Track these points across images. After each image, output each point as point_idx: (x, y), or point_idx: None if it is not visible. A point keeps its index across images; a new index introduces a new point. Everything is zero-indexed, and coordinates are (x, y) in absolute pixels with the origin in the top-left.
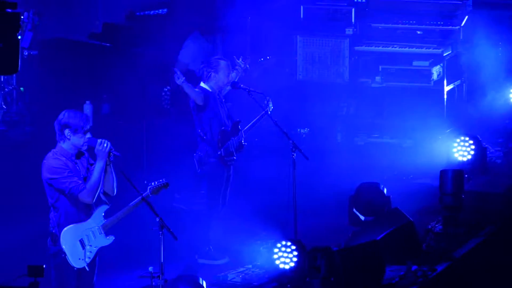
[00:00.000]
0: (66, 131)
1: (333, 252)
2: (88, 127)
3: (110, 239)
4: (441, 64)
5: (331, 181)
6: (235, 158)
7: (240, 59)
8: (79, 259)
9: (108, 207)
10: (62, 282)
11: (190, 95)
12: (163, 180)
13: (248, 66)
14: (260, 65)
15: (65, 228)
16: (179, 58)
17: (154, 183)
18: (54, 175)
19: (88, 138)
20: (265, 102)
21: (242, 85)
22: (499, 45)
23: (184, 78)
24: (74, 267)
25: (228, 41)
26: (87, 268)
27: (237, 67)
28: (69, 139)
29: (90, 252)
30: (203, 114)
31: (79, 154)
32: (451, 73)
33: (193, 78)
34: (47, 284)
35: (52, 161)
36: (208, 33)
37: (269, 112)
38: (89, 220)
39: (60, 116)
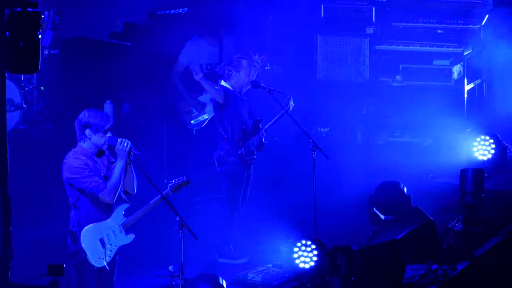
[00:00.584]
0: (87, 131)
1: (353, 251)
2: (108, 126)
3: (131, 237)
4: (462, 63)
5: (351, 180)
6: (255, 157)
7: (257, 56)
8: (99, 258)
9: (128, 205)
10: (82, 281)
11: (209, 93)
12: (183, 178)
13: (268, 65)
14: (280, 65)
15: (85, 227)
16: (179, 58)
17: (175, 181)
18: (75, 174)
19: (109, 137)
20: (286, 100)
21: (262, 84)
22: None
23: (202, 74)
24: (94, 266)
25: (248, 40)
26: (107, 267)
27: (255, 63)
28: (89, 139)
29: (111, 251)
30: (224, 113)
31: (100, 153)
32: (471, 72)
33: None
34: (68, 283)
35: (72, 160)
36: (211, 36)
37: (290, 111)
38: (109, 219)
39: (81, 116)
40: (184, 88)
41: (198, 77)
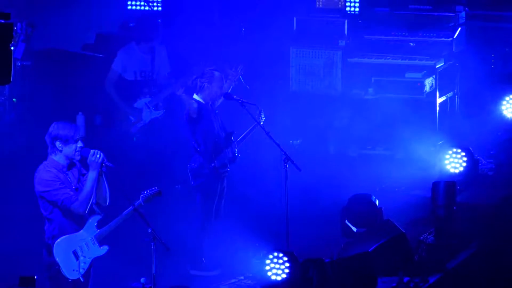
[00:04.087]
0: (57, 143)
1: (325, 264)
2: (78, 136)
3: (104, 249)
4: (434, 76)
5: (323, 193)
6: (228, 169)
7: (233, 69)
8: (73, 270)
9: (100, 217)
10: None
11: (187, 106)
12: (155, 188)
13: (241, 78)
14: (253, 77)
15: (58, 240)
16: (113, 66)
17: (147, 192)
18: (46, 187)
19: (81, 147)
20: (258, 112)
21: (235, 96)
22: (491, 57)
23: (183, 89)
24: (68, 278)
25: (221, 52)
26: (81, 279)
27: (229, 76)
28: (61, 151)
29: (84, 263)
30: (197, 126)
31: (70, 165)
32: (443, 85)
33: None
34: None
35: (43, 173)
36: (146, 42)
37: (261, 123)
38: (82, 231)
39: (50, 129)
40: (118, 96)
41: (180, 92)
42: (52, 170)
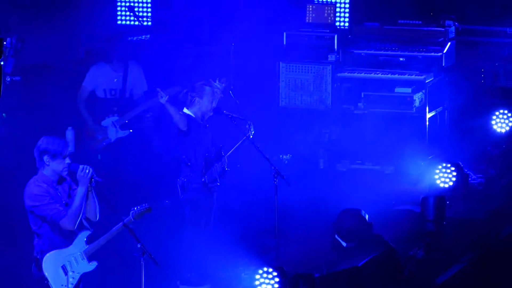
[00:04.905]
0: (45, 157)
1: (315, 279)
2: (67, 152)
3: (93, 265)
4: (423, 91)
5: (313, 208)
6: (219, 184)
7: (217, 81)
8: (62, 285)
9: (90, 232)
10: None
11: (173, 118)
12: (146, 205)
13: (231, 92)
14: (243, 91)
15: (47, 255)
16: (83, 83)
17: (137, 208)
18: (36, 202)
19: (69, 163)
20: (247, 127)
21: (225, 111)
22: (481, 72)
23: (167, 96)
24: None
25: (211, 66)
26: None
27: (215, 89)
28: (48, 165)
29: (73, 278)
30: (187, 140)
31: (60, 180)
32: (433, 99)
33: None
34: None
35: (33, 188)
36: (118, 61)
37: (251, 137)
38: (71, 246)
39: (39, 143)
40: (88, 114)
41: (163, 100)
42: (43, 185)
